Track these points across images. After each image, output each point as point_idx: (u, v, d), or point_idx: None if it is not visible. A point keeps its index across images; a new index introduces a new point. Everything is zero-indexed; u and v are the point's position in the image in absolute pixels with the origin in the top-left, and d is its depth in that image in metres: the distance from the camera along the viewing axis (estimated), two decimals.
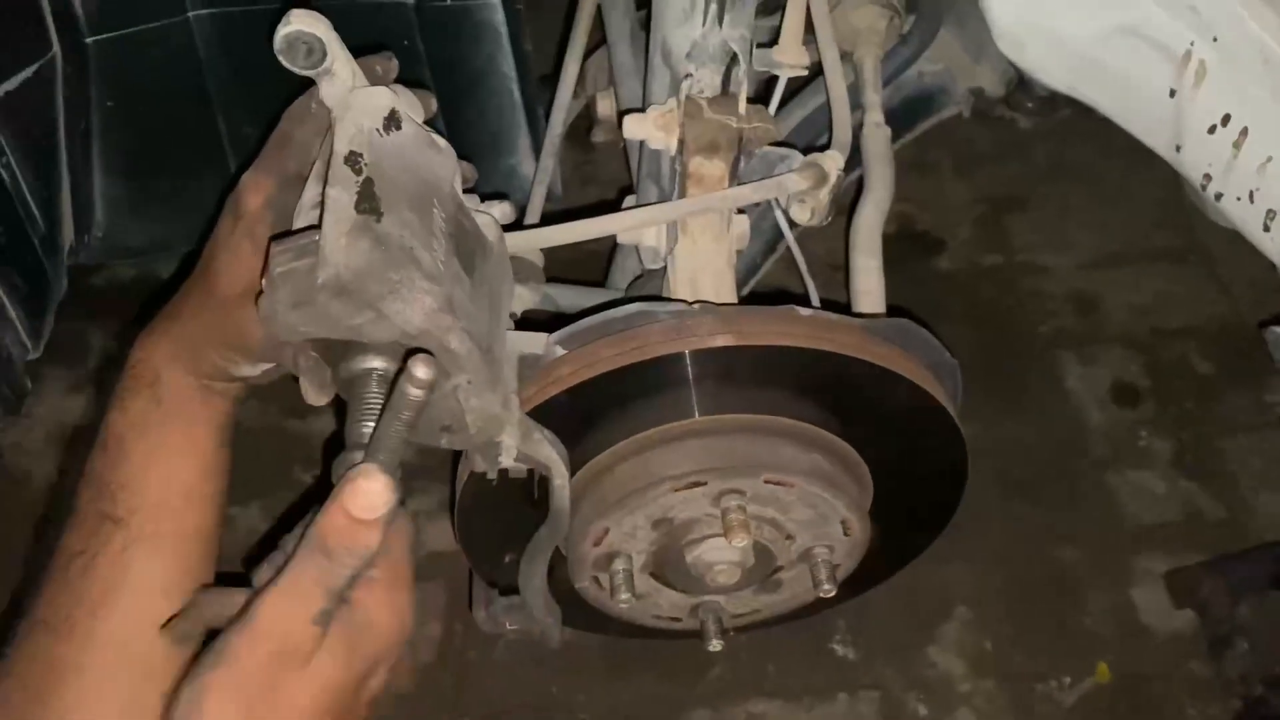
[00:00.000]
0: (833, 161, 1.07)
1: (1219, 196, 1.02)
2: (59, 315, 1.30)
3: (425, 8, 1.24)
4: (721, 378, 0.94)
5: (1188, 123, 1.02)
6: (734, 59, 1.05)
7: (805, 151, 1.09)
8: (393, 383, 0.61)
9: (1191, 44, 0.99)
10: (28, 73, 1.17)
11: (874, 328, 0.96)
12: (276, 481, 1.52)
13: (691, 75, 1.05)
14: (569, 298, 1.17)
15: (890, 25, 1.39)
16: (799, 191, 1.06)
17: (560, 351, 0.92)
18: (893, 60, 1.40)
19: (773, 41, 1.22)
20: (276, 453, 1.55)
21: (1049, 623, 1.38)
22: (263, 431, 1.54)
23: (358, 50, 0.74)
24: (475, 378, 0.71)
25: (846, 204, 1.21)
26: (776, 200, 1.11)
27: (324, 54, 0.69)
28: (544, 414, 0.88)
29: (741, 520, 0.95)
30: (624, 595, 1.02)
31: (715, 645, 1.11)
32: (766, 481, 0.96)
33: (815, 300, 1.11)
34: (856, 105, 1.27)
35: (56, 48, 1.20)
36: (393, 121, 0.72)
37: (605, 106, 1.47)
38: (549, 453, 0.81)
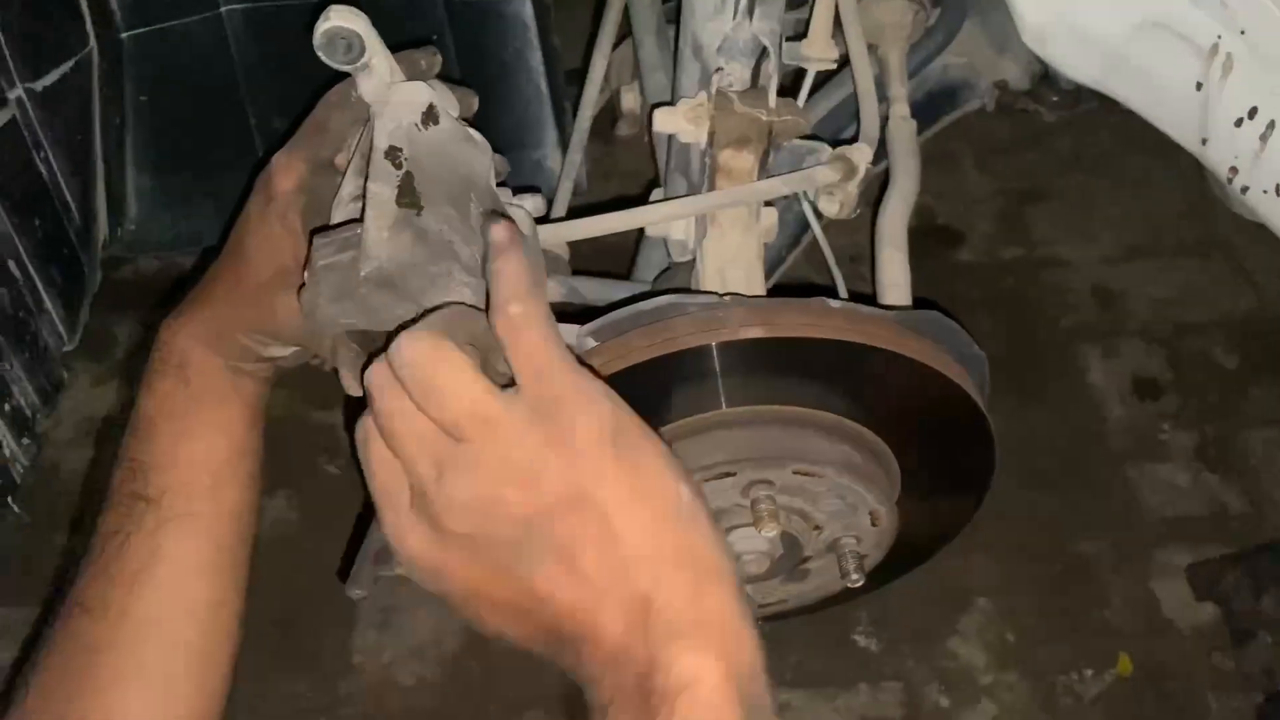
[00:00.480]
0: (861, 154, 1.07)
1: (1245, 190, 1.02)
2: None
3: (455, 2, 1.25)
4: (752, 369, 0.95)
5: (1214, 116, 1.02)
6: (764, 53, 1.05)
7: (829, 144, 1.10)
8: None
9: (1219, 37, 0.98)
10: (65, 68, 1.18)
11: (906, 320, 0.96)
12: (302, 470, 1.54)
13: (722, 69, 1.05)
14: (595, 290, 1.17)
15: (916, 18, 1.39)
16: (828, 184, 1.07)
17: (592, 343, 0.92)
18: (918, 53, 1.40)
19: (800, 35, 1.22)
20: (302, 443, 1.55)
21: (1071, 615, 1.39)
22: (288, 421, 1.54)
23: (397, 46, 0.74)
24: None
25: (870, 197, 1.21)
26: (805, 193, 1.12)
27: (362, 49, 0.69)
28: None
29: (771, 510, 0.96)
30: None
31: None
32: (796, 472, 0.96)
33: (843, 292, 1.11)
34: (882, 98, 1.27)
35: (93, 42, 1.22)
36: (430, 116, 0.73)
37: (630, 100, 1.48)
38: None
